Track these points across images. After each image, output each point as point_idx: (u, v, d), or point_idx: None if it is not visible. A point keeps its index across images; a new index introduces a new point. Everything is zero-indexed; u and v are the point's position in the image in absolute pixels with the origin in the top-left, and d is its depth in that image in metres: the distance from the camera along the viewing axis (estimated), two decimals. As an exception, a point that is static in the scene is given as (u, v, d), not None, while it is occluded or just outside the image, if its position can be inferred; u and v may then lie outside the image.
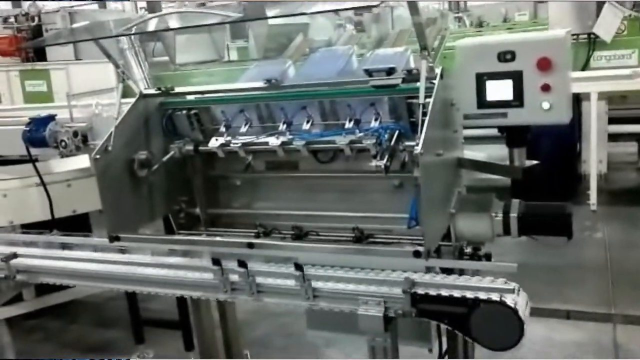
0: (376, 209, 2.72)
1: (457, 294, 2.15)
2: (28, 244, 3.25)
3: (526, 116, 2.32)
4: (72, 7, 10.86)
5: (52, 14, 8.51)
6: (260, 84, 2.71)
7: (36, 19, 8.13)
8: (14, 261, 3.02)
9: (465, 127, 2.50)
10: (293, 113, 2.71)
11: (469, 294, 2.13)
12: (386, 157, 2.34)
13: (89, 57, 7.24)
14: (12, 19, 8.11)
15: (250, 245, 2.46)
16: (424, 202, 2.12)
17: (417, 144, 2.07)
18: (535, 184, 3.34)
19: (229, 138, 2.75)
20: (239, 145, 2.71)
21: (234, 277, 2.46)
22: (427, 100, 2.17)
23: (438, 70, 2.27)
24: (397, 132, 2.43)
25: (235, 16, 2.13)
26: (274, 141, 2.63)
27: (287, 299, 2.41)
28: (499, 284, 2.15)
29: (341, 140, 2.49)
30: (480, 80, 2.34)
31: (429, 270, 2.29)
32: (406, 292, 2.15)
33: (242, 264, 2.41)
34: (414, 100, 2.36)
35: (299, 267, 2.32)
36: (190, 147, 2.90)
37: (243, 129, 2.78)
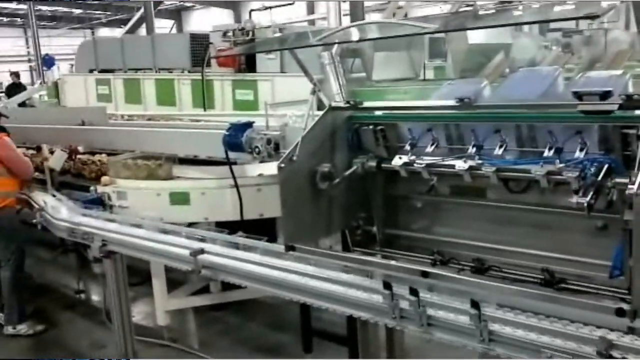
0: (572, 251, 2.40)
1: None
2: (216, 241, 3.43)
3: None
4: (284, 24, 11.58)
5: (264, 29, 9.10)
6: (452, 103, 2.55)
7: (250, 33, 8.72)
8: (200, 257, 3.20)
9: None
10: (485, 136, 2.50)
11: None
12: (590, 193, 2.05)
13: (293, 70, 7.63)
14: (230, 33, 8.80)
15: (425, 274, 2.30)
16: (635, 251, 1.79)
17: (633, 182, 1.75)
18: None
19: (413, 157, 2.64)
20: (423, 166, 2.57)
21: (404, 304, 2.33)
22: (649, 131, 1.85)
23: (666, 98, 1.92)
24: (606, 166, 2.12)
25: (432, 27, 2.01)
26: (460, 165, 2.46)
27: (460, 338, 2.21)
28: None
29: (537, 170, 2.24)
30: None
31: (631, 331, 1.94)
32: (602, 354, 1.83)
33: (413, 292, 2.26)
34: (631, 131, 2.04)
35: (475, 304, 2.10)
36: (373, 164, 2.84)
37: (429, 149, 2.64)
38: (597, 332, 1.92)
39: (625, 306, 1.82)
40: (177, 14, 30.97)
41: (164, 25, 26.40)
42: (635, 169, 1.81)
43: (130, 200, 4.54)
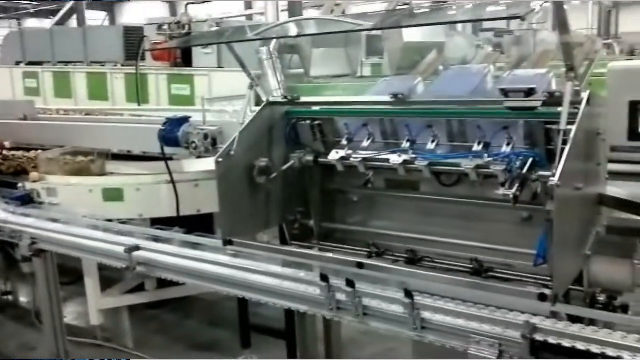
0: (499, 241, 2.52)
1: (581, 346, 1.89)
2: (151, 238, 3.37)
3: (689, 154, 2.02)
4: (221, 18, 11.43)
5: (201, 23, 8.97)
6: (387, 99, 2.62)
7: (187, 27, 8.57)
8: (135, 253, 3.13)
9: (611, 161, 2.23)
10: (418, 131, 2.58)
11: (595, 349, 1.87)
12: (516, 186, 2.15)
13: (230, 65, 7.58)
14: (165, 27, 8.62)
15: (360, 265, 2.36)
16: (556, 240, 1.91)
17: (554, 175, 1.86)
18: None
19: (349, 152, 2.69)
20: (359, 160, 2.63)
21: (341, 296, 2.37)
22: (570, 127, 1.96)
23: (585, 95, 2.04)
24: (530, 160, 2.23)
25: (368, 25, 2.06)
26: (395, 159, 2.53)
27: (394, 326, 2.27)
28: (632, 341, 1.87)
29: (467, 164, 2.33)
30: (635, 109, 2.08)
31: (553, 315, 2.05)
32: (526, 337, 1.93)
33: (350, 283, 2.31)
34: (554, 127, 2.15)
35: (409, 294, 2.17)
36: (310, 158, 2.88)
37: (365, 144, 2.70)
38: (522, 317, 2.02)
39: (547, 291, 1.92)
40: (109, 6, 30.03)
41: (95, 17, 25.54)
42: (557, 162, 1.91)
43: (61, 197, 4.40)
